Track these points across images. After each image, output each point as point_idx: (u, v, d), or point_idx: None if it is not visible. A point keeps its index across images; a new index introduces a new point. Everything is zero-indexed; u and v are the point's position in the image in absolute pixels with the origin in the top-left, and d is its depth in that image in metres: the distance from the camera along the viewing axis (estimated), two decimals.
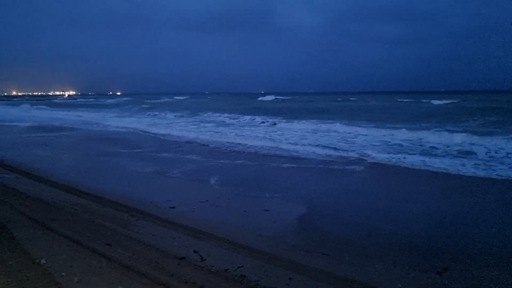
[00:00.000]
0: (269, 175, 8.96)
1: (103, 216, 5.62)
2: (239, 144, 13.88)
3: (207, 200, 6.61)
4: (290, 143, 14.06)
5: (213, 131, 18.82)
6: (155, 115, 33.65)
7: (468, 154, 11.23)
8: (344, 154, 11.41)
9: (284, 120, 23.78)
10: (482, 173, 8.61)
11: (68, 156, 11.63)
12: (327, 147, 12.95)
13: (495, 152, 11.23)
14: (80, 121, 27.16)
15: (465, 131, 15.58)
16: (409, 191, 7.49)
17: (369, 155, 10.96)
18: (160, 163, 10.22)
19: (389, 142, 14.13)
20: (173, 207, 6.21)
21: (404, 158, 10.60)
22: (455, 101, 48.76)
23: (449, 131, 16.31)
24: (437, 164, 9.65)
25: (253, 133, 17.67)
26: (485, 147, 11.98)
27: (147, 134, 18.27)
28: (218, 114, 29.88)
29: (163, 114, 33.76)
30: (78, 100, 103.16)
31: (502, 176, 8.35)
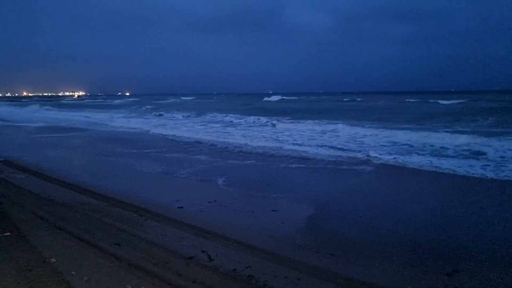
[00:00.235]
0: (277, 175, 8.95)
1: (112, 216, 5.67)
2: (246, 144, 13.90)
3: (215, 200, 6.63)
4: (297, 143, 14.02)
5: (221, 132, 18.88)
6: (162, 115, 33.86)
7: (478, 154, 11.07)
8: (352, 154, 11.34)
9: (289, 121, 23.67)
10: (491, 175, 8.48)
11: (77, 156, 11.76)
12: (334, 147, 12.89)
13: (504, 153, 11.04)
14: (88, 121, 27.44)
15: (474, 132, 15.35)
16: (417, 192, 7.41)
17: (377, 156, 10.87)
18: (168, 164, 10.28)
19: (398, 142, 14.02)
20: (181, 207, 6.24)
21: (412, 158, 10.49)
22: (463, 100, 48.19)
23: (458, 131, 16.11)
24: (445, 165, 9.52)
25: (260, 134, 17.67)
26: (493, 148, 11.77)
27: (155, 134, 18.39)
28: (224, 114, 29.90)
29: (169, 114, 33.97)
30: (85, 100, 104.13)
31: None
